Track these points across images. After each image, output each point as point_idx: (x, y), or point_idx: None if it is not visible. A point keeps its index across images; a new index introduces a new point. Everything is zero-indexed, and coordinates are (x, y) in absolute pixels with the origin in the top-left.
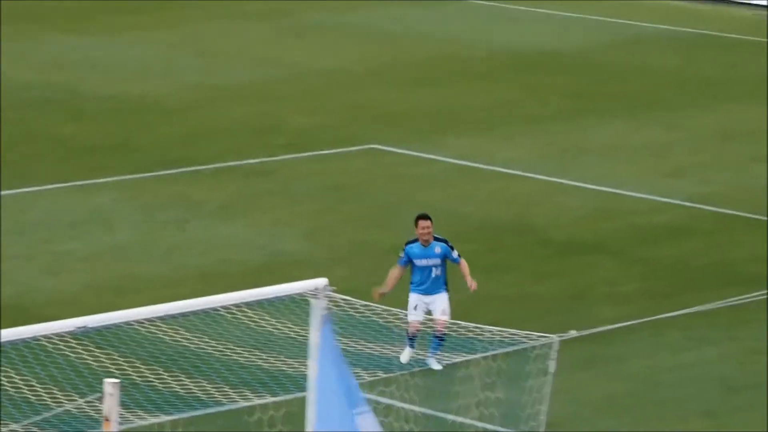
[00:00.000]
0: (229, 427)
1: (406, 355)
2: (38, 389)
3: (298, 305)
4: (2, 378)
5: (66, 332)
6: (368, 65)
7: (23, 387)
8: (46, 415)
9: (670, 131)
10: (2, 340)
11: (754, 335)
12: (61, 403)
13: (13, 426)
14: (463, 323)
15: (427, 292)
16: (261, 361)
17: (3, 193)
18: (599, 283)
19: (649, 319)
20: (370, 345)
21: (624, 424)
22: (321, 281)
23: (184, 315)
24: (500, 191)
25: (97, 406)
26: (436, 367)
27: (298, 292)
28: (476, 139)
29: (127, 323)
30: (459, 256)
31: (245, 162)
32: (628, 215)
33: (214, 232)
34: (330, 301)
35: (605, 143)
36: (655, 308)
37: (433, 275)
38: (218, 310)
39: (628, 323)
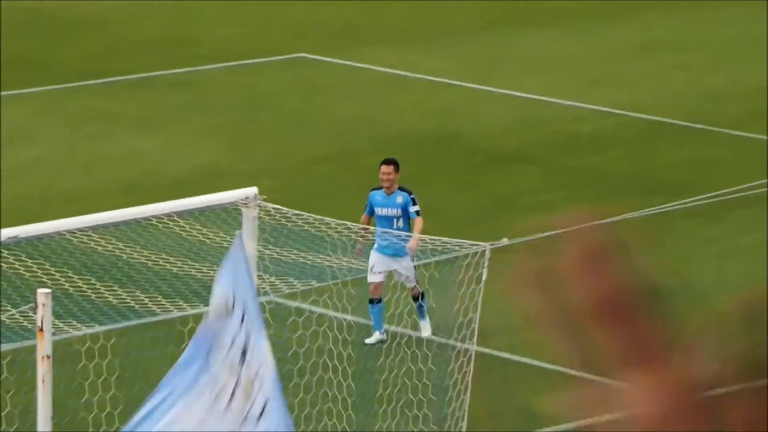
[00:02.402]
0: (163, 337)
1: (373, 338)
2: None
3: (229, 215)
4: None
5: None
6: None
7: None
8: None
9: (591, 41)
10: None
11: (680, 243)
12: None
13: None
14: (394, 232)
15: (390, 253)
16: (194, 270)
17: None
18: (524, 192)
19: (575, 228)
20: (303, 254)
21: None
22: (251, 190)
23: (116, 225)
24: (424, 101)
25: (31, 317)
26: (425, 334)
27: (229, 201)
28: (398, 50)
29: (59, 233)
30: (418, 213)
31: (167, 73)
32: (552, 124)
33: (136, 144)
34: (261, 210)
35: (528, 53)
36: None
37: (394, 227)
38: (150, 221)
39: (556, 232)
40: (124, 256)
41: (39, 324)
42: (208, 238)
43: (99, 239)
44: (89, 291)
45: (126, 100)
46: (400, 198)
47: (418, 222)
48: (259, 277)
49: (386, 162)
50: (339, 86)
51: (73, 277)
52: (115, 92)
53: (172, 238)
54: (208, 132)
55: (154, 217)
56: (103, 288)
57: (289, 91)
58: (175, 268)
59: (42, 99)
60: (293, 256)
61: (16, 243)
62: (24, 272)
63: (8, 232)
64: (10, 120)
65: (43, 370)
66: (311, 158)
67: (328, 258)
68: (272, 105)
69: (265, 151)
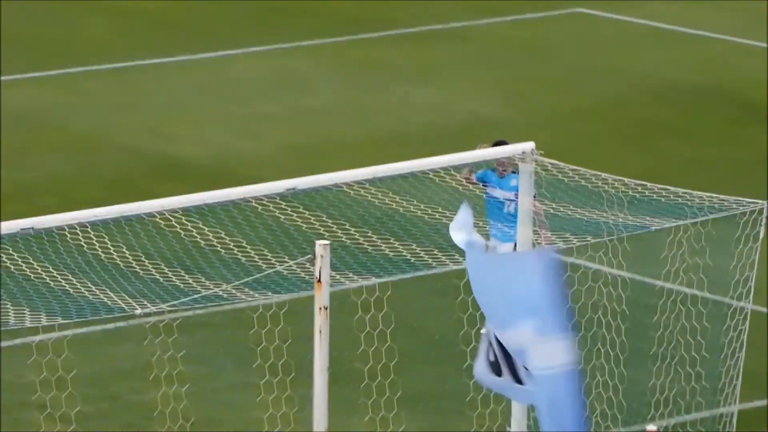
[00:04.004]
0: (439, 290)
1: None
2: (249, 250)
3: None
4: (213, 239)
5: (275, 194)
6: None
7: (234, 248)
8: (257, 275)
9: None
10: (211, 201)
11: None
12: (272, 264)
13: (225, 286)
14: (672, 188)
15: (497, 236)
16: None
17: (198, 56)
18: None
19: None
20: (579, 210)
21: None
22: (528, 145)
23: (392, 178)
24: (700, 54)
25: (308, 268)
26: None
27: (506, 155)
28: (678, 3)
29: (336, 185)
30: (534, 196)
31: (446, 26)
32: None
33: (413, 95)
34: (537, 165)
35: None
36: None
37: (505, 211)
38: (427, 174)
39: None
40: (401, 209)
41: (317, 275)
42: (485, 193)
43: (376, 192)
44: (365, 243)
45: (404, 51)
46: (514, 181)
47: (537, 207)
48: (535, 232)
49: (498, 144)
50: (614, 40)
51: (349, 229)
52: (392, 44)
53: (449, 192)
54: (485, 85)
55: (431, 170)
56: (379, 240)
57: (566, 44)
58: (450, 222)
59: (319, 50)
60: (569, 212)
61: (294, 194)
62: (301, 223)
63: (286, 184)
64: (287, 70)
65: (320, 321)
66: (586, 111)
67: (604, 214)
68: (549, 58)
69: (541, 105)
